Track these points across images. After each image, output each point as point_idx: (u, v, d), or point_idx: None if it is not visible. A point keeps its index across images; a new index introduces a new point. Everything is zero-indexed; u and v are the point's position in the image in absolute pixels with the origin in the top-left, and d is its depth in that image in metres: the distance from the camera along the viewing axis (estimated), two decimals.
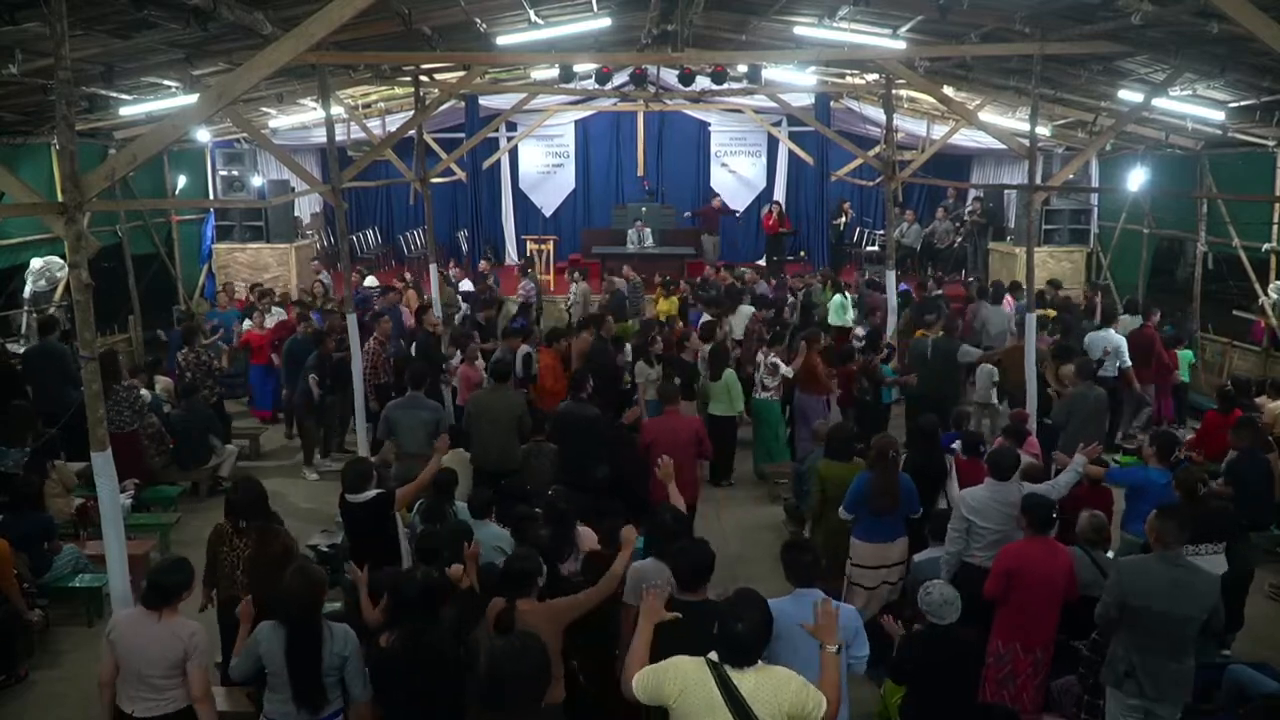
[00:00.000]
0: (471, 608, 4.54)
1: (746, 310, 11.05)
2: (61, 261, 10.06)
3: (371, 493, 5.55)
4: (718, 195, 18.17)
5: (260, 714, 4.20)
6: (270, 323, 11.17)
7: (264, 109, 13.53)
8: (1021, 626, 4.84)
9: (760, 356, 9.16)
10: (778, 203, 17.75)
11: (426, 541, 4.89)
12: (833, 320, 12.06)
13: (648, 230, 16.39)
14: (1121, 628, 4.44)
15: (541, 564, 4.47)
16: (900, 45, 9.85)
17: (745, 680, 3.21)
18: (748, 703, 3.16)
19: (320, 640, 4.00)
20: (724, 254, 17.59)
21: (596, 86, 12.67)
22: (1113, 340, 9.53)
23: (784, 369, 8.96)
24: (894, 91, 11.83)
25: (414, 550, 4.88)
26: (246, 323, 11.28)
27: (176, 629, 4.14)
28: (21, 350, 9.75)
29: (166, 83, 9.75)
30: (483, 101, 17.08)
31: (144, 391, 8.95)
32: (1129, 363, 9.49)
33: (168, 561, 4.49)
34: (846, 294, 12.58)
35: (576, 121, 18.82)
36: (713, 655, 3.29)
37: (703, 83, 12.05)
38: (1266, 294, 10.97)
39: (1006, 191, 16.46)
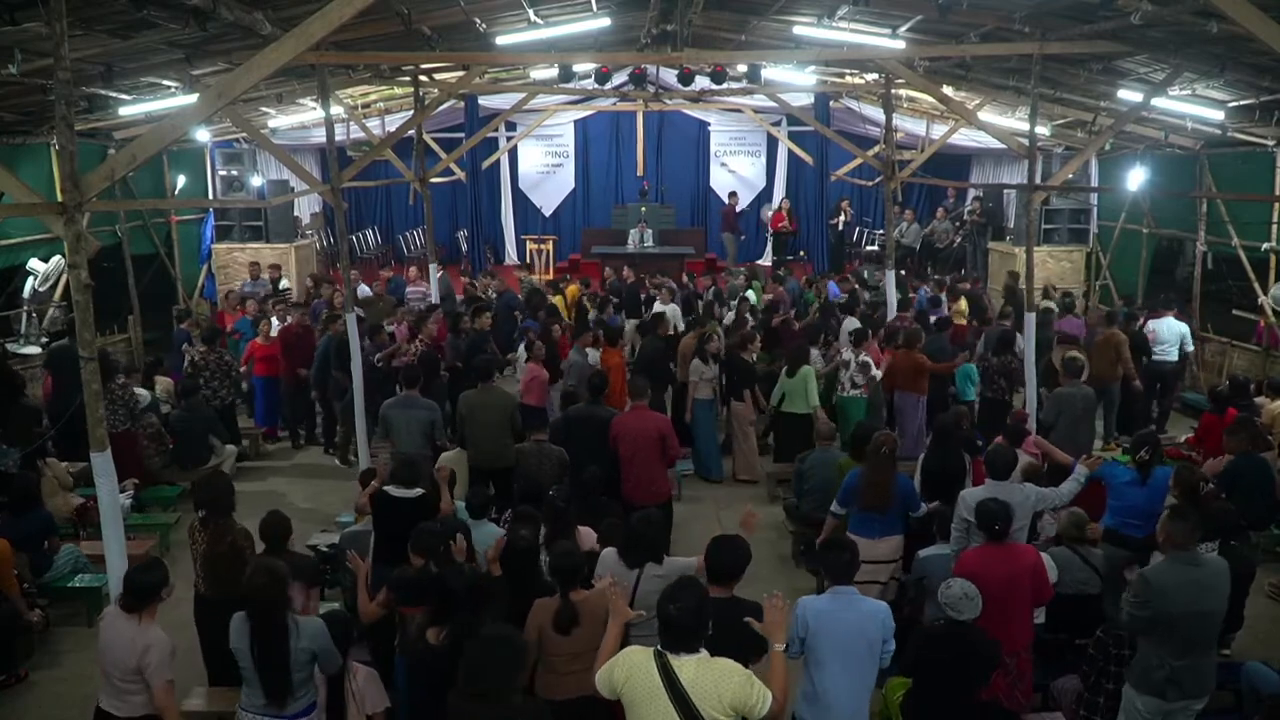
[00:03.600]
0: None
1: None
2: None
3: (419, 490, 5.57)
4: (734, 193, 18.14)
5: (238, 706, 4.20)
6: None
7: (264, 109, 13.53)
8: (988, 630, 4.84)
9: (849, 354, 9.15)
10: (787, 201, 17.78)
11: (424, 540, 4.83)
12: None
13: (649, 231, 16.41)
14: (1156, 635, 4.40)
15: (581, 555, 4.55)
16: (900, 45, 9.84)
17: (685, 668, 3.25)
18: (686, 690, 3.20)
19: (285, 634, 4.00)
20: (724, 253, 17.66)
21: (596, 86, 12.67)
22: (1178, 328, 10.30)
23: (875, 370, 8.95)
24: (893, 91, 11.82)
25: (412, 547, 4.85)
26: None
27: (138, 636, 4.12)
28: (33, 350, 9.73)
29: (166, 83, 9.75)
30: (482, 101, 17.10)
31: (140, 391, 8.90)
32: (1191, 347, 10.59)
33: (143, 563, 4.49)
34: (758, 290, 12.61)
35: (576, 121, 18.84)
36: (659, 645, 3.33)
37: (702, 82, 12.05)
38: (1266, 296, 10.98)
39: (1006, 191, 16.46)
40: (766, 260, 17.85)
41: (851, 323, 10.38)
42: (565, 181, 19.27)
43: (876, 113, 14.43)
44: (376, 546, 5.51)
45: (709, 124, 18.97)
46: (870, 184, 17.44)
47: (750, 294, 12.37)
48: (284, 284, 13.41)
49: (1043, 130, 12.88)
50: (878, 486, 5.89)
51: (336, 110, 11.07)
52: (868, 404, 9.11)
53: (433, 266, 12.41)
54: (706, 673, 3.25)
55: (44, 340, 10.85)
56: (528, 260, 17.18)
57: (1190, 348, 10.57)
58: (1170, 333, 10.26)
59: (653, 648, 3.35)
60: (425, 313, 10.21)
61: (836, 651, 3.78)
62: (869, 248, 18.21)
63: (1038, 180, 9.58)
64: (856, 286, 13.11)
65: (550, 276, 15.79)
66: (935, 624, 4.53)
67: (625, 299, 12.50)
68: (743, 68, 11.74)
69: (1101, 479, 6.18)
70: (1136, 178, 12.82)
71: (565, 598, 4.27)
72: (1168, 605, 4.30)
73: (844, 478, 6.23)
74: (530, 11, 10.33)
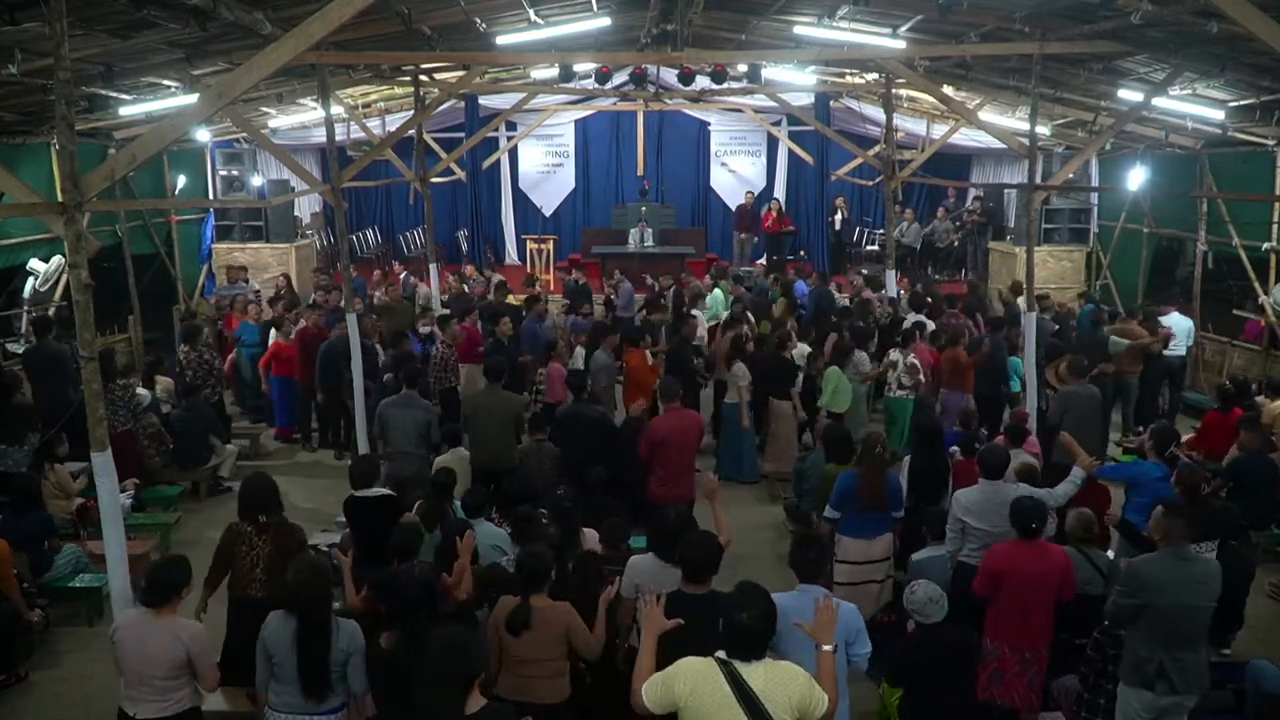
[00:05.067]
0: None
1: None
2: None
3: (378, 491, 5.59)
4: (750, 192, 18.10)
5: (266, 706, 4.20)
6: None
7: (264, 109, 13.53)
8: (1009, 626, 4.83)
9: (897, 355, 9.10)
10: (776, 200, 17.76)
11: (402, 539, 4.85)
12: (711, 313, 11.89)
13: (649, 230, 16.40)
14: (1142, 627, 4.43)
15: (554, 561, 4.49)
16: (900, 45, 9.84)
17: (755, 675, 3.19)
18: (759, 698, 3.13)
19: (329, 632, 4.04)
20: (724, 252, 17.63)
21: (596, 86, 12.68)
22: (1185, 323, 10.61)
23: (919, 374, 8.88)
24: (894, 91, 11.83)
25: (390, 547, 4.85)
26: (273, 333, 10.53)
27: (177, 630, 4.13)
28: (20, 351, 9.74)
29: (166, 83, 9.75)
30: (482, 101, 17.08)
31: (141, 391, 8.92)
32: (1191, 342, 10.86)
33: (167, 560, 4.50)
34: (725, 291, 12.55)
35: (576, 121, 18.80)
36: (720, 654, 3.26)
37: (702, 82, 12.05)
38: (1267, 295, 10.99)
39: (1006, 191, 16.45)
40: (763, 261, 17.80)
41: (915, 320, 10.32)
42: (565, 181, 19.24)
43: (877, 112, 14.43)
44: (355, 547, 5.54)
45: (709, 124, 18.94)
46: (870, 184, 17.41)
47: (718, 292, 12.30)
48: (254, 286, 13.27)
49: (1043, 130, 12.87)
50: (875, 487, 5.91)
51: (337, 110, 11.07)
52: (916, 404, 9.00)
53: (433, 267, 12.43)
54: (775, 678, 3.20)
55: None
56: (527, 260, 17.13)
57: (1190, 342, 10.74)
58: (1178, 328, 10.38)
59: (711, 657, 3.26)
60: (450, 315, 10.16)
61: (794, 650, 3.70)
62: (869, 247, 18.20)
63: (1038, 180, 9.58)
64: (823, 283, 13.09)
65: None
66: (909, 632, 4.56)
67: (577, 301, 12.46)
68: (743, 68, 11.75)
69: (1131, 479, 6.20)
70: (1137, 177, 12.81)
71: (525, 599, 4.23)
72: (1156, 598, 4.32)
73: (832, 483, 6.22)
74: (530, 11, 10.33)
